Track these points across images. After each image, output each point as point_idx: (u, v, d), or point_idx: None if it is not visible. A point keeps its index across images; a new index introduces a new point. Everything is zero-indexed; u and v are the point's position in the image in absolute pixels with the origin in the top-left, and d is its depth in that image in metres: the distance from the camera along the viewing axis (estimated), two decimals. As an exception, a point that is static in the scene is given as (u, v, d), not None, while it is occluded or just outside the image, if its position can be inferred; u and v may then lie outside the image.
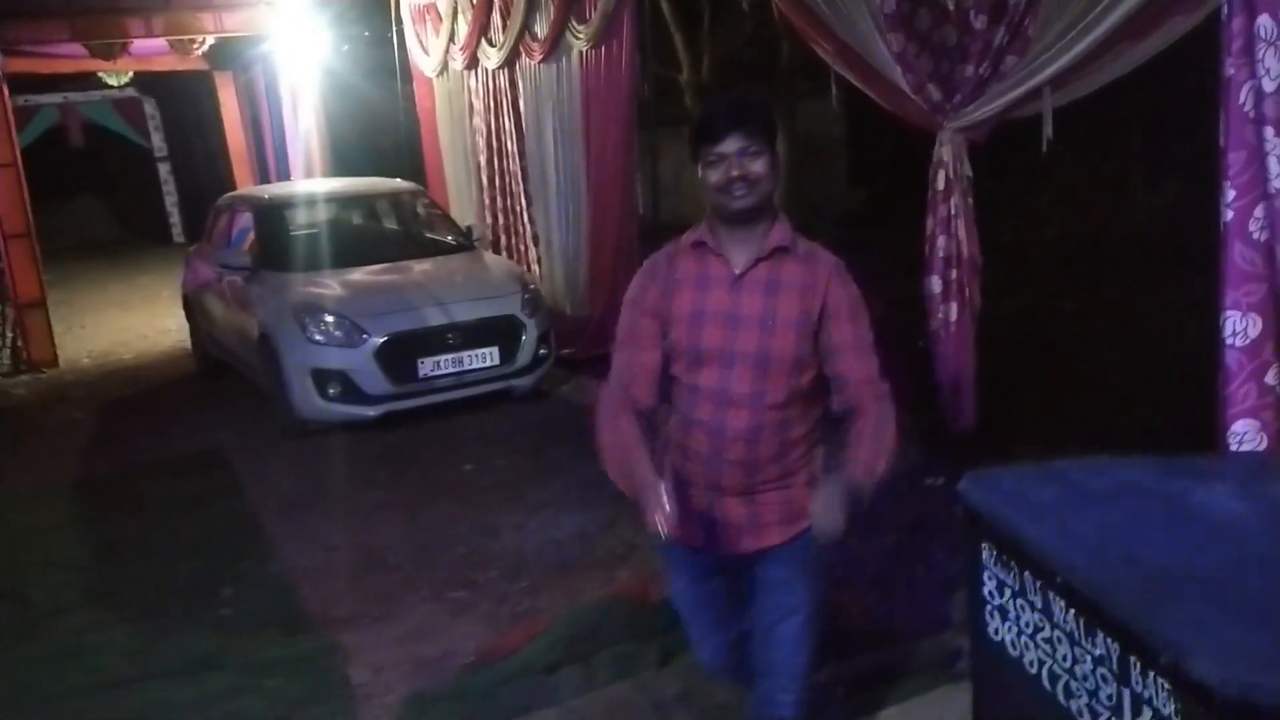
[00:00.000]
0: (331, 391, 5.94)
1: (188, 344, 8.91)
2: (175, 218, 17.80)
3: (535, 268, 8.07)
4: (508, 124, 8.13)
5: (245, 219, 7.32)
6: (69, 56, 12.02)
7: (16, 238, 8.94)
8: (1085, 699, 1.83)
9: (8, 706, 3.51)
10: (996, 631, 2.10)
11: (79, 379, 8.47)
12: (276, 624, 3.96)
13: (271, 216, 7.12)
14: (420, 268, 6.79)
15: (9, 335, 8.84)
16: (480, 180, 8.76)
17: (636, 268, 2.44)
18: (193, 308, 8.06)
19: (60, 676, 3.67)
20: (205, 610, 4.11)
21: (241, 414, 6.80)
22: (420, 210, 7.80)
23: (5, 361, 8.79)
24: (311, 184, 9.17)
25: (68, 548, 4.90)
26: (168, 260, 15.97)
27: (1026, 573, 1.97)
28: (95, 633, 4.00)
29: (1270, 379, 2.88)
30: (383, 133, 12.18)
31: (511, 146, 8.12)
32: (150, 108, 17.19)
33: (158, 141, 17.55)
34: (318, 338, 5.98)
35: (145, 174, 17.58)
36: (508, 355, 6.27)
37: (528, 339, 6.34)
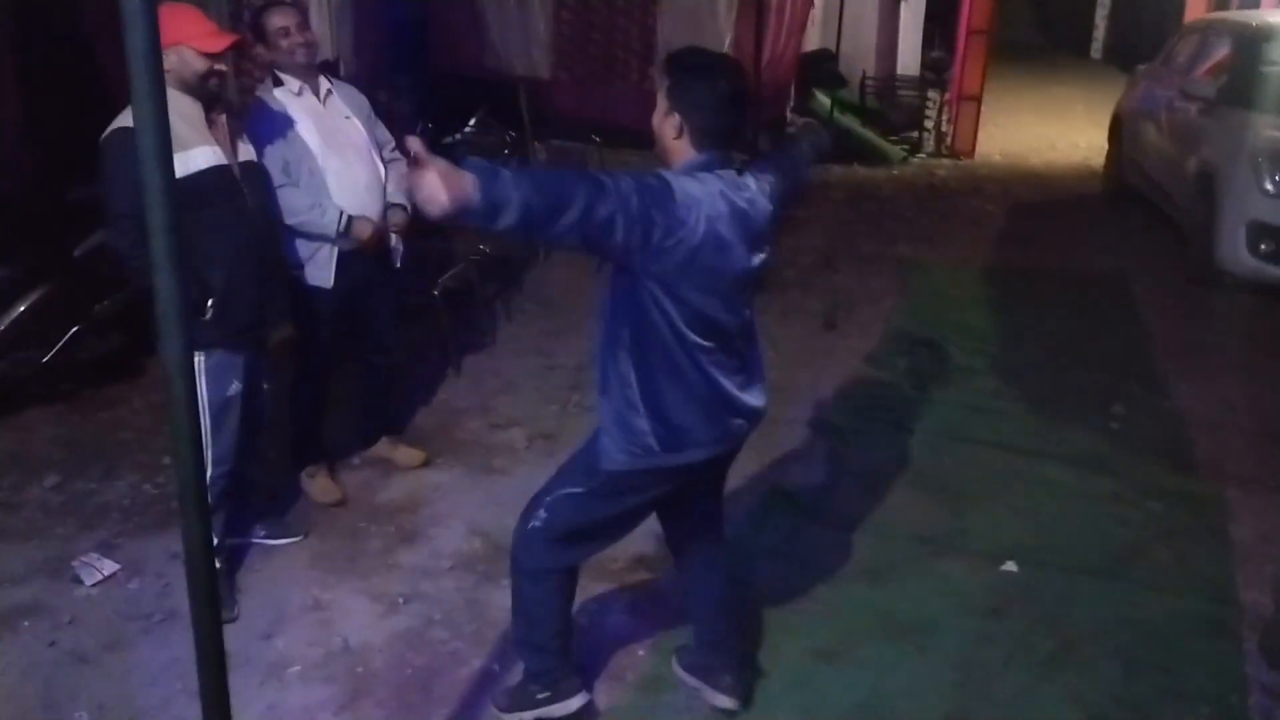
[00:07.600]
0: (1264, 249, 5.53)
1: (1095, 163, 9.00)
2: (1099, 32, 17.51)
3: None
4: None
5: (1217, 46, 6.88)
6: None
7: (977, 33, 9.74)
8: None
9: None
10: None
11: (991, 174, 9.18)
12: (1164, 455, 4.07)
13: (1252, 46, 6.56)
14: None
15: (943, 120, 9.89)
16: None
17: None
18: (1122, 129, 8.01)
19: (967, 426, 4.32)
20: (1095, 417, 4.37)
21: (1149, 247, 6.76)
22: None
23: (931, 144, 9.91)
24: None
25: (978, 321, 5.57)
26: (1083, 73, 16.06)
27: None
28: (996, 399, 4.57)
29: None
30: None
31: None
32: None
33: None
34: (1269, 187, 5.53)
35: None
36: None
37: None
